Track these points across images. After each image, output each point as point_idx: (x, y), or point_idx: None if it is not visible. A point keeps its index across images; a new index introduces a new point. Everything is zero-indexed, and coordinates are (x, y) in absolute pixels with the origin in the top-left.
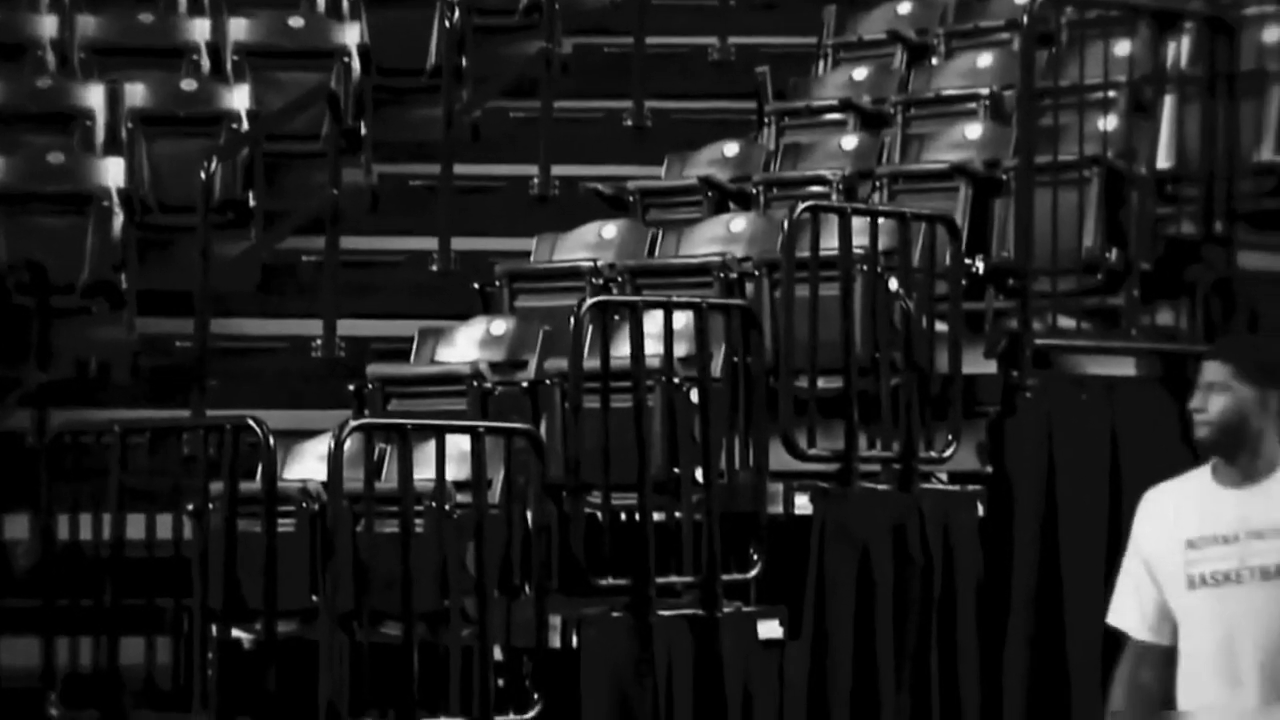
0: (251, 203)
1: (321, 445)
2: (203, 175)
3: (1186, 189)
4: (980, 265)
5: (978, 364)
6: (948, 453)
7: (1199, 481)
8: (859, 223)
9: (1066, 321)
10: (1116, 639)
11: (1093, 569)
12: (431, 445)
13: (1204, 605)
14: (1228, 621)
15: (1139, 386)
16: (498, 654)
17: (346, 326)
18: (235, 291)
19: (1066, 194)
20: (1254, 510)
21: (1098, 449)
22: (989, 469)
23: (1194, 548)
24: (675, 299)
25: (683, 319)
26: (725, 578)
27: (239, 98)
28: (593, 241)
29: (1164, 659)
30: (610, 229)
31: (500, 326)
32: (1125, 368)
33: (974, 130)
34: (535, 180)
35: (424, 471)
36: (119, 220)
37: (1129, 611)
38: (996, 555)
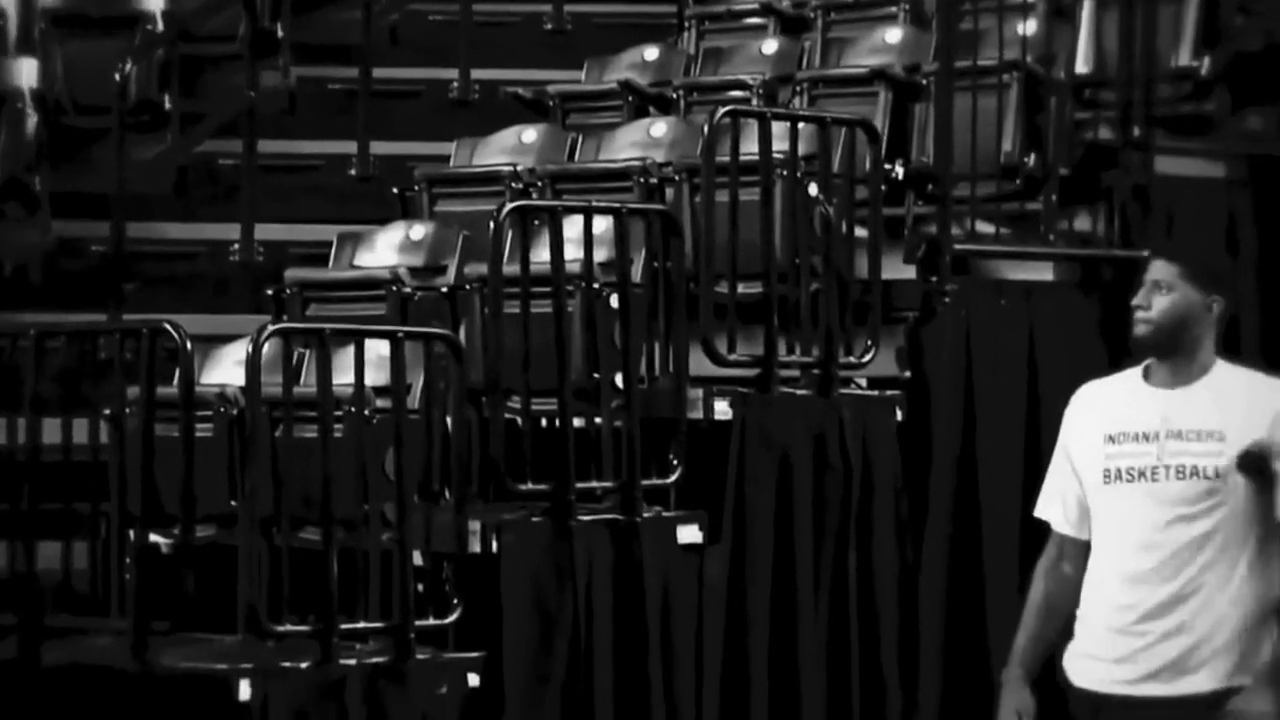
0: (167, 105)
1: (239, 350)
2: (117, 77)
3: (1105, 94)
4: (900, 170)
5: (897, 269)
6: (867, 358)
7: (1129, 380)
8: (779, 128)
9: (985, 227)
10: (1032, 540)
11: (1010, 471)
12: (350, 350)
13: (1117, 499)
14: (1138, 517)
15: (1057, 291)
16: (417, 559)
17: (265, 231)
18: (152, 194)
19: (986, 99)
20: (1178, 411)
21: (1016, 353)
22: (908, 374)
23: (1113, 442)
24: (595, 204)
25: (603, 224)
26: (645, 483)
27: None
28: (512, 146)
29: (1085, 553)
30: (530, 133)
31: (419, 231)
32: (1043, 273)
33: (894, 35)
34: (455, 84)
35: (343, 377)
36: (33, 121)
37: (1053, 505)
38: (915, 459)
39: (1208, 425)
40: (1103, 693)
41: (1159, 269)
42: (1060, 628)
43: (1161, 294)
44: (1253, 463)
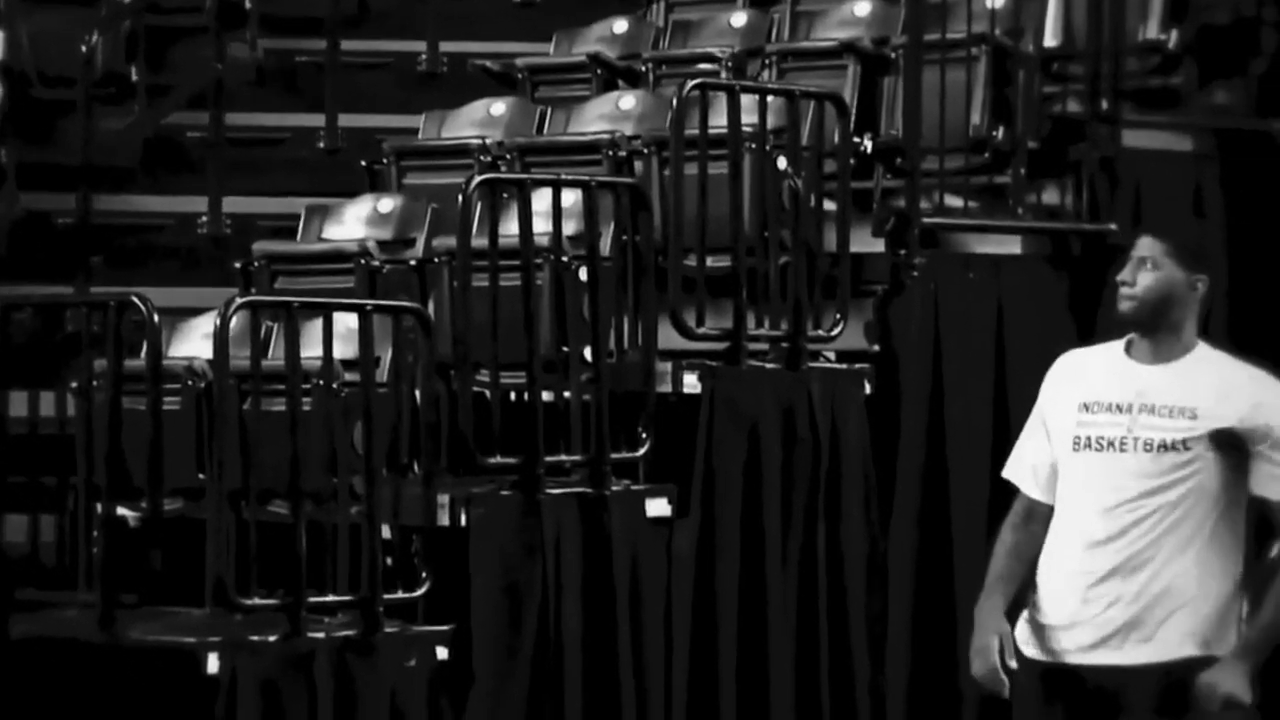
0: (134, 77)
1: (207, 323)
2: (83, 48)
3: (1073, 67)
4: (868, 144)
5: (865, 243)
6: (835, 331)
7: (1111, 352)
8: (748, 101)
9: (954, 200)
10: (1000, 511)
11: (978, 444)
12: (319, 323)
13: (1084, 467)
14: (1103, 486)
15: (1025, 264)
16: (386, 533)
17: (232, 203)
18: (119, 167)
19: (954, 72)
20: (1154, 386)
21: (984, 326)
22: (876, 347)
23: (1087, 411)
24: (564, 177)
25: (571, 197)
26: (614, 456)
27: None
28: (481, 119)
29: (1050, 518)
30: (499, 106)
31: (388, 204)
32: (1011, 246)
33: (863, 8)
34: (423, 57)
35: (311, 350)
36: None
37: (1024, 468)
38: (883, 432)
39: (1181, 402)
40: (1051, 662)
41: (1146, 246)
42: (1027, 574)
43: (1147, 271)
44: (1227, 439)
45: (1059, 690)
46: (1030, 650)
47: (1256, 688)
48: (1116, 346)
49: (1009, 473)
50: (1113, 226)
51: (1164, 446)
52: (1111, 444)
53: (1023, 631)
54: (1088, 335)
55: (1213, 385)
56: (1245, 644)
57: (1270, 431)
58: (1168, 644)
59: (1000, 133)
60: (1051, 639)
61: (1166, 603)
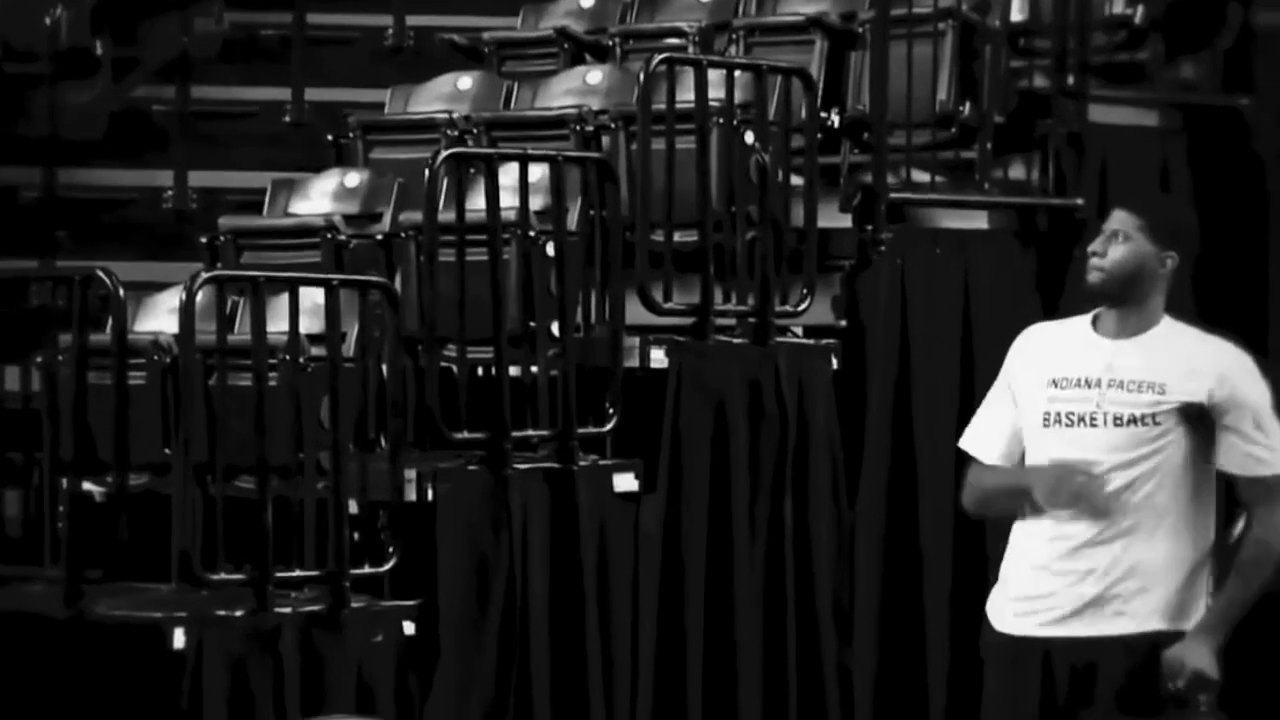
0: (100, 50)
1: (173, 298)
2: (48, 21)
3: (1039, 42)
4: (835, 119)
5: (833, 218)
6: (802, 306)
7: (1077, 326)
8: (715, 75)
9: (920, 175)
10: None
11: (945, 419)
12: (285, 298)
13: (1054, 443)
14: (1073, 461)
15: (992, 239)
16: (353, 507)
17: (198, 178)
18: (85, 141)
19: (921, 47)
20: (1123, 361)
21: (951, 301)
22: (843, 322)
23: (1056, 386)
24: (531, 152)
25: (539, 172)
26: (581, 431)
27: None
28: (448, 93)
29: None
30: (466, 81)
31: (354, 179)
32: (978, 221)
33: None
34: (390, 31)
35: (277, 324)
36: None
37: (984, 436)
38: (851, 408)
39: (1150, 377)
40: (1021, 635)
41: (1119, 219)
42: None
43: (1118, 244)
44: (1196, 413)
45: (1031, 663)
46: (1002, 623)
47: (1221, 664)
48: (1083, 321)
49: (966, 443)
50: (1079, 201)
51: (1133, 421)
52: (1081, 419)
53: (994, 605)
54: (1054, 310)
55: (1180, 360)
56: (1212, 619)
57: (1236, 405)
58: (1138, 617)
59: (967, 108)
60: (1023, 612)
61: (1138, 576)
